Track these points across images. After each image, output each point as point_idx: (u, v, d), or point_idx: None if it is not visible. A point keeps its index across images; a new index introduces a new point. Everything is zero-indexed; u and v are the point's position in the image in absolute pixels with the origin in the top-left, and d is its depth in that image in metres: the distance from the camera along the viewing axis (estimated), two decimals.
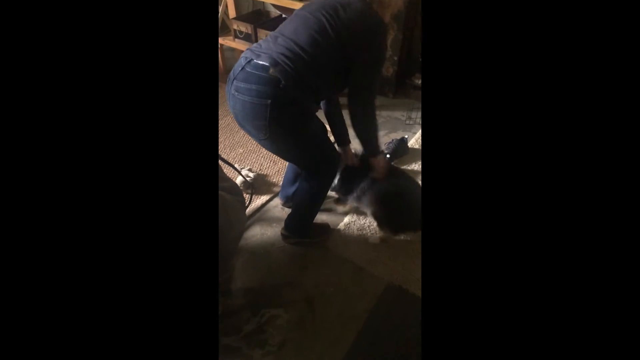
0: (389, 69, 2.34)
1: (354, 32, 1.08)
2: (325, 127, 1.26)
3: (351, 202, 1.51)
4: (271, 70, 1.03)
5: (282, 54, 1.05)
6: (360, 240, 1.53)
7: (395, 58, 2.29)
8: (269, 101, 1.04)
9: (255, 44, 1.14)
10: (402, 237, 1.51)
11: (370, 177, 1.42)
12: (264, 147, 1.20)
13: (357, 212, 1.62)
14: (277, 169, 1.86)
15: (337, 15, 1.07)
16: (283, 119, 1.08)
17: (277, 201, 1.68)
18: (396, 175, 1.48)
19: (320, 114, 1.26)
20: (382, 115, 2.30)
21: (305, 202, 1.39)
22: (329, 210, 1.63)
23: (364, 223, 1.59)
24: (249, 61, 1.07)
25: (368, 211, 1.49)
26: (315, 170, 1.29)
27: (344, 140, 1.45)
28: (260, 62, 1.05)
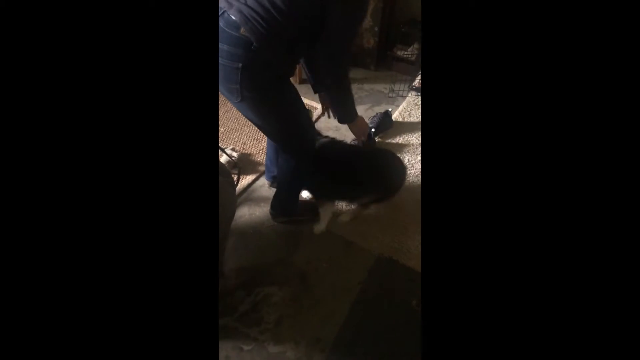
0: (369, 41, 2.29)
1: None
2: (300, 98, 1.19)
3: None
4: (242, 30, 0.95)
5: (254, 11, 0.95)
6: (349, 215, 1.54)
7: (376, 29, 2.23)
8: (240, 64, 0.97)
9: None
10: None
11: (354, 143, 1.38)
12: (239, 110, 1.15)
13: None
14: (260, 147, 1.82)
15: None
16: (255, 84, 1.02)
17: (264, 180, 1.66)
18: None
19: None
20: (364, 89, 2.27)
21: (287, 180, 1.37)
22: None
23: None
24: (222, 13, 0.98)
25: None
26: (292, 144, 1.24)
27: (350, 117, 1.31)
28: (232, 17, 0.96)
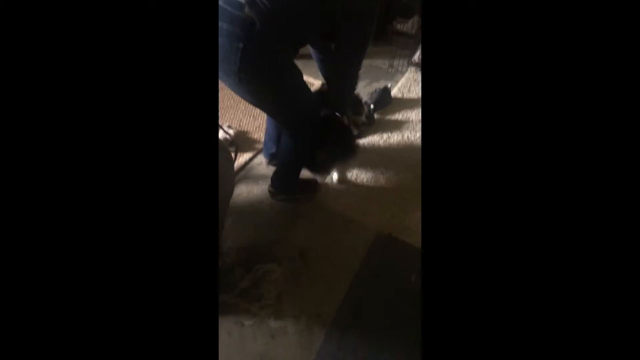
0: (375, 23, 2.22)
1: None
2: (302, 76, 1.17)
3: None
4: (246, 10, 0.92)
5: None
6: (348, 192, 1.53)
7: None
8: (241, 45, 0.94)
9: None
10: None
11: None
12: (236, 92, 1.11)
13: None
14: (257, 124, 1.79)
15: None
16: (255, 68, 0.99)
17: (261, 158, 1.64)
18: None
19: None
20: (362, 65, 2.21)
21: (289, 158, 1.35)
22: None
23: (350, 175, 1.58)
24: None
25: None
26: (295, 124, 1.23)
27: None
28: None
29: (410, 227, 1.41)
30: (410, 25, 2.21)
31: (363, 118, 1.73)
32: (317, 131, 1.29)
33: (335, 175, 1.55)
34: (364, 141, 1.75)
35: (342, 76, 1.19)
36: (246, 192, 1.52)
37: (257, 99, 1.14)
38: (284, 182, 1.42)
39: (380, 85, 2.00)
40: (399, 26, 2.24)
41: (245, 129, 1.77)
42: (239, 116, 1.83)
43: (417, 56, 2.14)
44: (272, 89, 1.08)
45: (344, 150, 1.44)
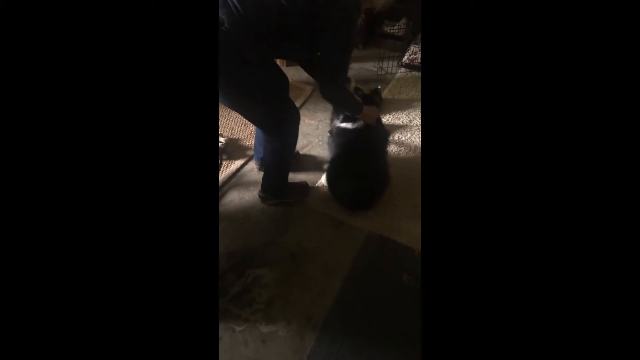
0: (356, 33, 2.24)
1: (323, 9, 0.97)
2: (283, 80, 1.17)
3: None
4: (219, 14, 0.94)
5: None
6: None
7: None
8: None
9: None
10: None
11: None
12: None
13: None
14: (248, 132, 1.80)
15: None
16: (223, 68, 0.98)
17: (252, 165, 1.65)
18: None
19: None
20: (353, 68, 2.23)
21: (274, 162, 1.36)
22: (306, 169, 1.62)
23: None
24: None
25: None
26: (273, 128, 1.23)
27: (357, 109, 1.36)
28: None
29: (401, 227, 1.41)
30: (398, 27, 2.23)
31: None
32: (295, 133, 1.29)
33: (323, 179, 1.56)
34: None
35: (329, 81, 1.17)
36: (238, 198, 1.53)
37: (234, 102, 1.14)
38: (273, 186, 1.43)
39: (371, 87, 2.01)
40: (387, 29, 2.25)
41: (237, 137, 1.79)
42: (230, 124, 1.85)
43: (406, 58, 2.15)
44: (245, 93, 1.09)
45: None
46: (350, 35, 1.06)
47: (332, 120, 1.58)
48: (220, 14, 0.94)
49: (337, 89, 1.20)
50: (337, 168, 1.44)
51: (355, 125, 1.43)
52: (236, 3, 0.94)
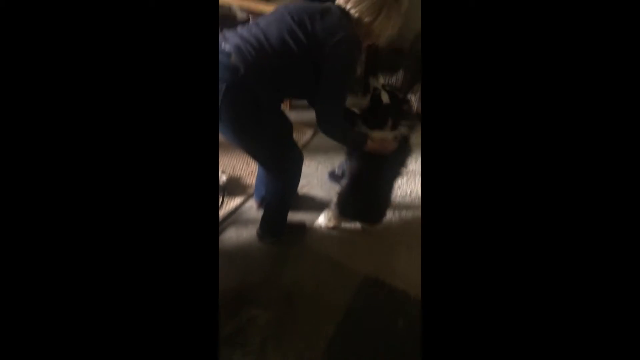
0: (357, 70, 2.39)
1: (324, 43, 1.04)
2: (288, 124, 1.23)
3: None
4: (232, 58, 1.01)
5: (249, 43, 1.03)
6: (336, 235, 1.55)
7: (363, 58, 2.34)
8: (224, 85, 1.01)
9: (232, 29, 1.10)
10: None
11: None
12: (221, 133, 1.14)
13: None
14: (250, 170, 1.85)
15: (312, 22, 1.04)
16: (236, 107, 1.05)
17: (252, 202, 1.68)
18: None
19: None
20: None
21: (275, 201, 1.39)
22: (304, 208, 1.65)
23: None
24: None
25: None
26: (277, 169, 1.28)
27: (360, 142, 1.32)
28: (226, 49, 1.03)
29: (397, 270, 1.41)
30: (395, 79, 2.37)
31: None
32: (299, 173, 1.33)
33: (323, 218, 1.58)
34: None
35: (325, 115, 1.19)
36: (235, 236, 1.54)
37: (240, 140, 1.18)
38: (271, 224, 1.45)
39: None
40: (385, 80, 2.40)
41: (239, 174, 1.83)
42: (232, 162, 1.91)
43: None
44: (253, 132, 1.14)
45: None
46: (349, 71, 1.11)
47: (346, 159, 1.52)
48: (234, 61, 1.01)
49: (334, 122, 1.20)
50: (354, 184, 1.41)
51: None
52: (250, 50, 1.02)
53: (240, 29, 1.09)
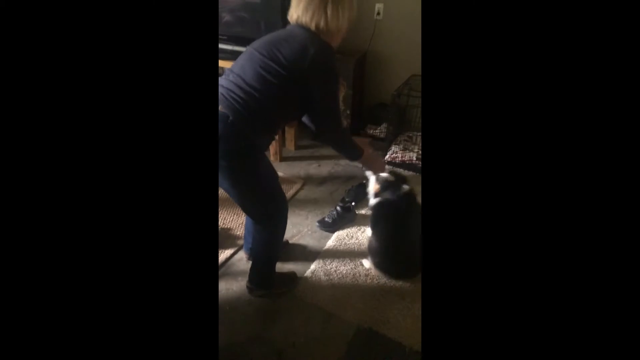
0: (343, 122, 2.52)
1: (300, 63, 1.06)
2: (275, 170, 1.28)
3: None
4: (220, 107, 1.06)
5: (231, 90, 1.07)
6: (327, 285, 1.53)
7: (348, 112, 2.48)
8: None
9: None
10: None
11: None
12: None
13: (323, 256, 1.64)
14: (240, 221, 1.86)
15: (279, 50, 1.08)
16: (230, 153, 1.07)
17: (242, 254, 1.67)
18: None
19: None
20: (340, 164, 2.42)
21: (262, 252, 1.39)
22: (295, 258, 1.64)
23: (330, 268, 1.60)
24: None
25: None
26: (264, 217, 1.29)
27: (357, 153, 1.39)
28: None
29: (390, 320, 1.38)
30: (380, 130, 2.51)
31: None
32: (284, 224, 1.35)
33: (313, 265, 1.57)
34: (342, 233, 1.81)
35: (324, 126, 1.23)
36: (225, 289, 1.51)
37: (231, 184, 1.18)
38: (260, 277, 1.43)
39: (356, 182, 2.17)
40: (371, 131, 2.53)
41: (229, 226, 1.84)
42: (223, 214, 1.92)
43: (388, 156, 2.36)
44: (244, 173, 1.16)
45: None
46: (334, 78, 1.14)
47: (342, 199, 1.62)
48: (221, 110, 1.05)
49: (335, 130, 1.24)
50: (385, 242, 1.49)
51: (394, 195, 1.49)
52: (233, 95, 1.06)
53: (220, 79, 1.13)
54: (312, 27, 1.11)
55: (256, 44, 1.15)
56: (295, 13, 1.13)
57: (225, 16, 2.25)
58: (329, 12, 1.09)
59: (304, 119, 1.27)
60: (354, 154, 1.36)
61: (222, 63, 2.26)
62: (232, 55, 2.23)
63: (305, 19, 1.11)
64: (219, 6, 2.20)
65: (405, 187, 1.53)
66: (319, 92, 1.12)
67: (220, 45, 2.31)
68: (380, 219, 1.54)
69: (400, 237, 1.49)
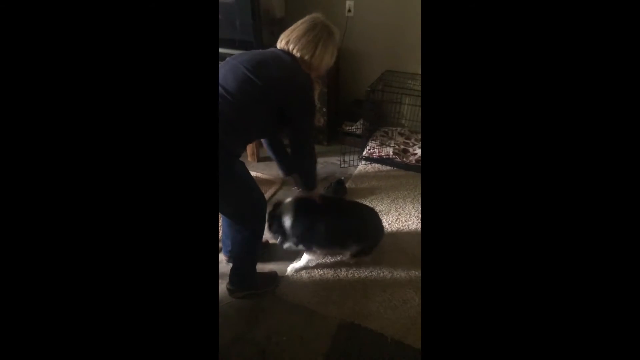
0: (320, 120, 2.53)
1: (284, 88, 1.16)
2: (249, 172, 1.31)
3: (290, 244, 1.54)
4: None
5: None
6: (309, 283, 1.53)
7: (324, 109, 2.49)
8: None
9: None
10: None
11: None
12: None
13: (303, 254, 1.64)
14: (218, 224, 1.84)
15: (266, 70, 1.14)
16: None
17: (221, 257, 1.65)
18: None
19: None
20: (319, 162, 2.41)
21: (241, 253, 1.39)
22: (276, 259, 1.64)
23: (311, 265, 1.61)
24: None
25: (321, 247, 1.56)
26: (243, 218, 1.30)
27: (291, 169, 1.57)
28: None
29: (372, 312, 1.40)
30: (356, 127, 2.53)
31: None
32: (263, 224, 1.36)
33: (301, 263, 1.58)
34: None
35: (300, 159, 1.35)
36: None
37: None
38: (242, 278, 1.42)
39: (335, 179, 2.18)
40: (347, 128, 2.55)
41: None
42: None
43: (365, 152, 2.39)
44: (222, 184, 1.15)
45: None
46: (311, 105, 1.25)
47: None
48: None
49: (306, 152, 1.34)
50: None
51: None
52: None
53: None
54: (298, 56, 1.21)
55: (240, 57, 1.20)
56: (287, 39, 1.22)
57: None
58: (318, 49, 1.22)
59: (265, 146, 1.46)
60: (310, 183, 1.45)
61: None
62: None
63: (295, 48, 1.21)
64: None
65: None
66: (296, 116, 1.22)
67: None
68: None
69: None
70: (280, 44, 1.24)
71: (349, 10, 2.45)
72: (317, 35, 1.21)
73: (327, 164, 2.40)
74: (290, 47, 1.22)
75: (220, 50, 2.21)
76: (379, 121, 2.57)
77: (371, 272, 1.58)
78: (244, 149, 1.30)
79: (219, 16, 2.16)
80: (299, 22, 1.26)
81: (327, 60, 1.27)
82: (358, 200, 1.90)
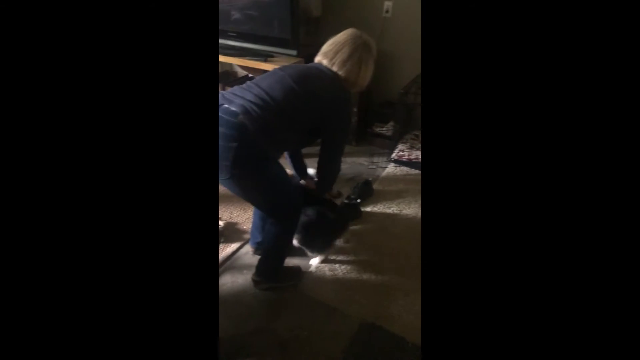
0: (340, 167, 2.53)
1: (324, 101, 1.23)
2: (286, 172, 1.34)
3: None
4: (240, 117, 1.10)
5: (254, 103, 1.13)
6: (332, 280, 1.54)
7: (355, 109, 2.49)
8: (235, 144, 1.10)
9: (229, 90, 1.23)
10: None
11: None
12: (225, 186, 1.23)
13: (328, 251, 1.65)
14: (247, 216, 1.89)
15: (310, 83, 1.21)
16: (246, 161, 1.14)
17: (248, 248, 1.69)
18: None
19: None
20: (347, 162, 2.43)
21: (272, 246, 1.42)
22: (301, 254, 1.66)
23: (334, 263, 1.62)
24: (220, 105, 1.15)
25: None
26: (279, 214, 1.34)
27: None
28: (232, 109, 1.12)
29: (394, 315, 1.39)
30: (387, 128, 2.51)
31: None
32: (297, 220, 1.40)
33: (316, 260, 1.59)
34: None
35: (326, 166, 1.41)
36: (230, 281, 1.53)
37: (246, 192, 1.28)
38: (268, 270, 1.45)
39: (362, 179, 2.18)
40: (377, 129, 2.53)
41: (236, 220, 1.86)
42: (229, 209, 1.95)
43: (395, 154, 2.37)
44: (259, 184, 1.23)
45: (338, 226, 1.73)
46: (348, 124, 1.34)
47: None
48: (242, 120, 1.11)
49: (335, 168, 1.42)
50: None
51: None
52: (256, 109, 1.12)
53: (240, 91, 1.20)
54: (342, 75, 1.29)
55: (289, 70, 1.25)
56: (331, 62, 1.29)
57: (234, 14, 2.28)
58: (362, 70, 1.30)
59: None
60: (325, 188, 1.55)
61: (229, 60, 2.29)
62: (240, 52, 2.26)
63: (340, 68, 1.28)
64: (229, 4, 2.24)
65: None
66: (332, 133, 1.29)
67: (229, 42, 2.34)
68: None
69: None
70: (324, 61, 1.30)
71: (387, 11, 2.43)
72: (360, 57, 1.28)
73: (354, 165, 2.40)
74: (335, 68, 1.28)
75: (257, 47, 2.27)
76: (410, 124, 2.54)
77: (394, 276, 1.57)
78: (281, 154, 1.35)
79: (256, 13, 2.21)
80: (340, 40, 1.30)
81: (369, 76, 1.36)
82: (377, 208, 1.89)
